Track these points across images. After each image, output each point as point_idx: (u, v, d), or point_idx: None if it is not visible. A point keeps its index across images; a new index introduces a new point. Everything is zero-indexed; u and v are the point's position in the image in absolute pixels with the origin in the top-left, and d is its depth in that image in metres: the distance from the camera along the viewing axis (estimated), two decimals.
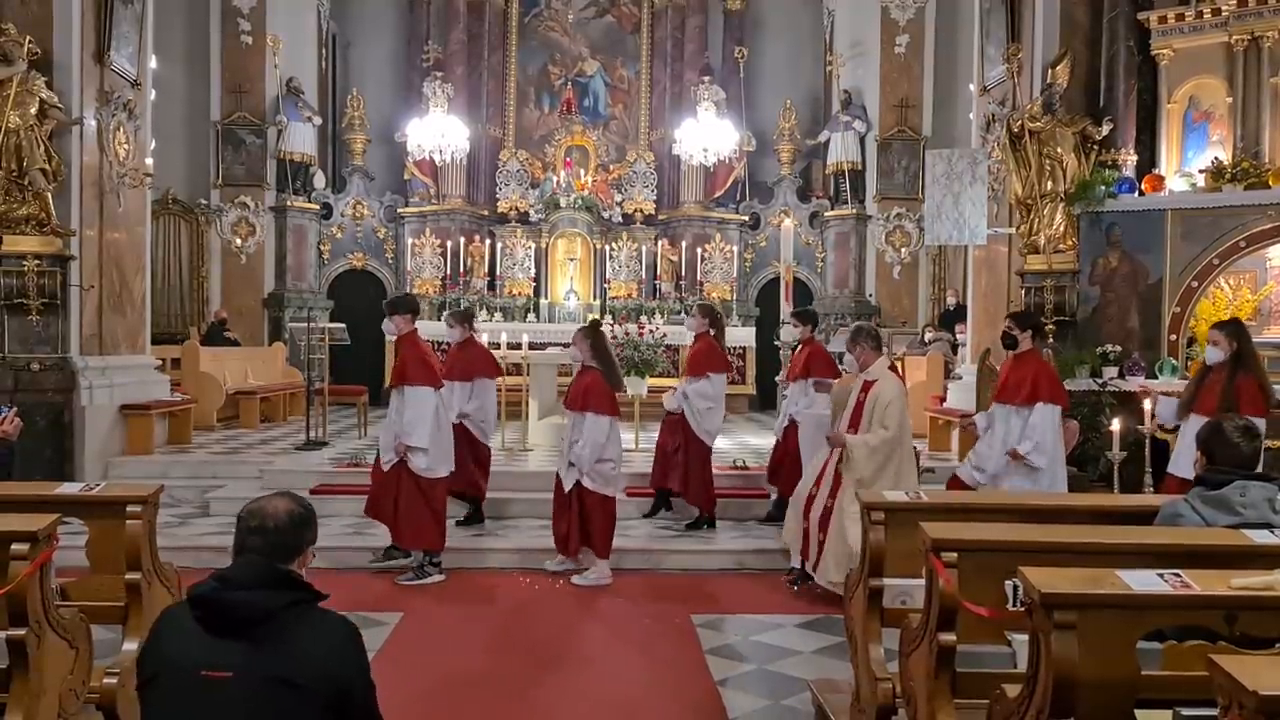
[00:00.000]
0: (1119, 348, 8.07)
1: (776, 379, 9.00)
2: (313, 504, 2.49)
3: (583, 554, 6.59)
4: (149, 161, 10.08)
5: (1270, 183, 7.80)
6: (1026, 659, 2.69)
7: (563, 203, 15.37)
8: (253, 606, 2.17)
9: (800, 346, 8.20)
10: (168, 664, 2.18)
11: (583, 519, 6.46)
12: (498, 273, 15.50)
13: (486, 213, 16.00)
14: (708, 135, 14.60)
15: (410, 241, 15.57)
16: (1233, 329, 5.88)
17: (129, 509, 3.95)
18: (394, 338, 7.28)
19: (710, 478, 7.63)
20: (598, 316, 12.62)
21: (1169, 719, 2.44)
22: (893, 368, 6.36)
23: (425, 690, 4.66)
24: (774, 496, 7.91)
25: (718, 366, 7.72)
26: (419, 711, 4.43)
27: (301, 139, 15.45)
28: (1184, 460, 5.91)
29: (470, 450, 7.38)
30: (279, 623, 2.18)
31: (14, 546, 3.17)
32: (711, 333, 7.86)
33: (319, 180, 15.83)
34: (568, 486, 6.51)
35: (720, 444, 8.49)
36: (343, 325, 11.30)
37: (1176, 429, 6.16)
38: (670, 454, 7.63)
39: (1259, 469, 3.56)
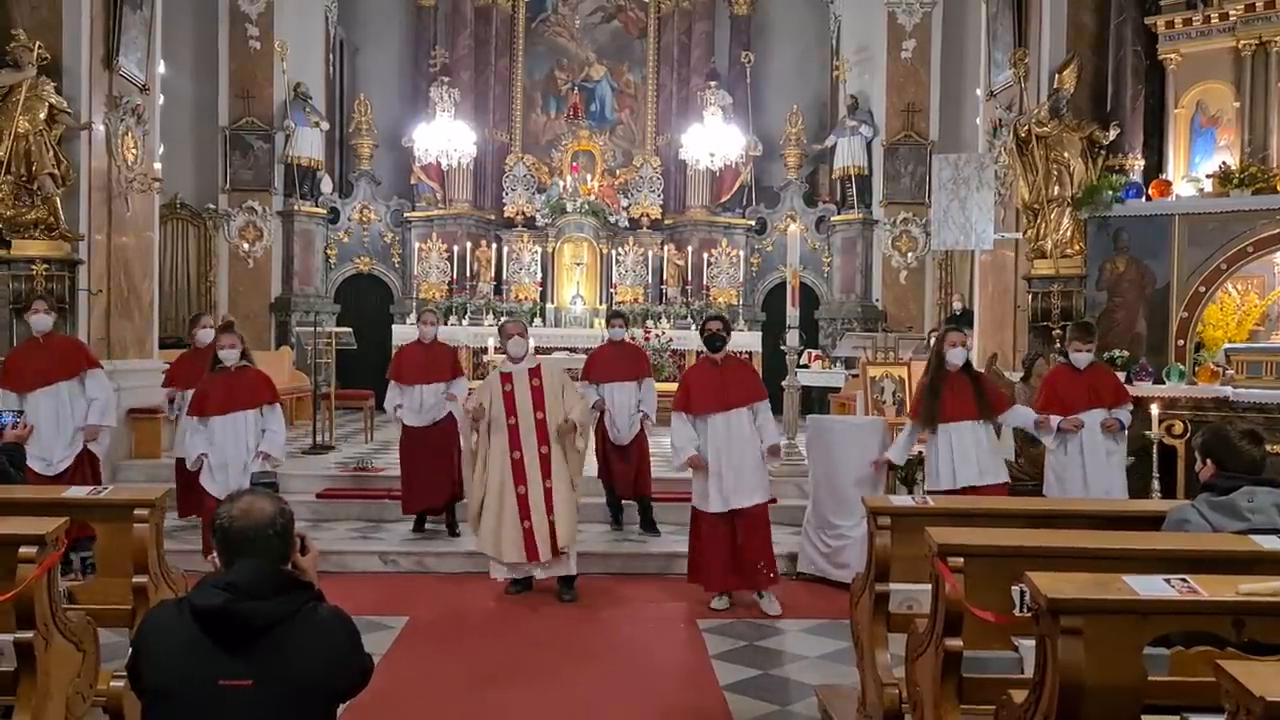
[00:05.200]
0: (1126, 353, 8.03)
1: (783, 384, 9.00)
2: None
3: None
4: (157, 166, 10.10)
5: (1278, 187, 7.77)
6: (1033, 664, 2.68)
7: (569, 207, 15.37)
8: (268, 616, 2.13)
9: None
10: (178, 675, 2.13)
11: None
12: (504, 277, 15.51)
13: (493, 217, 16.00)
14: (714, 140, 14.58)
15: (417, 246, 15.57)
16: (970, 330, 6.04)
17: (136, 513, 3.97)
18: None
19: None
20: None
21: None
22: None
23: (430, 692, 4.67)
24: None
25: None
26: (424, 713, 4.44)
27: (309, 144, 15.47)
28: (944, 470, 5.86)
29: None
30: (288, 627, 2.16)
31: (21, 549, 3.18)
32: None
33: (326, 185, 15.84)
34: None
35: None
36: (349, 329, 11.31)
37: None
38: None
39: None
